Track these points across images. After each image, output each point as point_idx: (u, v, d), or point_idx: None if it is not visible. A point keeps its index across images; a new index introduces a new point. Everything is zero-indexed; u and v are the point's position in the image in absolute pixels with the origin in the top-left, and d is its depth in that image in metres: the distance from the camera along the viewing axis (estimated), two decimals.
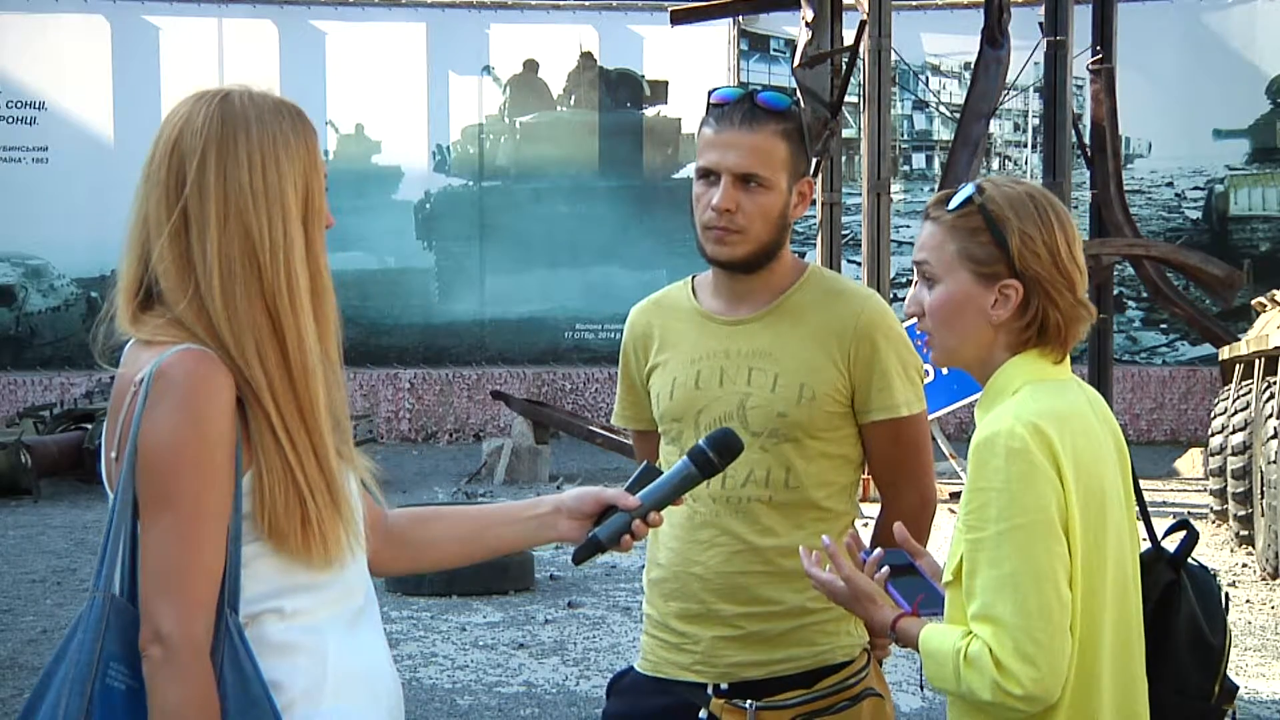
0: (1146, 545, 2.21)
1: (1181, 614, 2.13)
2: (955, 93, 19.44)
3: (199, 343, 1.80)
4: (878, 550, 2.20)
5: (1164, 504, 12.15)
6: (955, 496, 11.38)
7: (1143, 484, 2.21)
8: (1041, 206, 2.09)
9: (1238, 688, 2.18)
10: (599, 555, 2.15)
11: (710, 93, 2.58)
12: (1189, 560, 2.19)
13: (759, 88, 2.61)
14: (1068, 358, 2.14)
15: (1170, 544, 2.23)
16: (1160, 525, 2.26)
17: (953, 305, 2.10)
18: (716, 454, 2.16)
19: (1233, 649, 6.97)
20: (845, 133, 16.27)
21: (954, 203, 2.11)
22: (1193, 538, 2.20)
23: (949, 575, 2.06)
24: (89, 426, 13.76)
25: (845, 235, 15.66)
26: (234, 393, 1.80)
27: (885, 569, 2.16)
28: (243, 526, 1.81)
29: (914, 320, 2.15)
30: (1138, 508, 2.17)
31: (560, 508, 2.18)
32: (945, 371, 10.52)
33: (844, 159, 15.96)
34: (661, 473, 2.16)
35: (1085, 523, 2.00)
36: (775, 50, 20.22)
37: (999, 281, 2.07)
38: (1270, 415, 8.89)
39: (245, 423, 1.81)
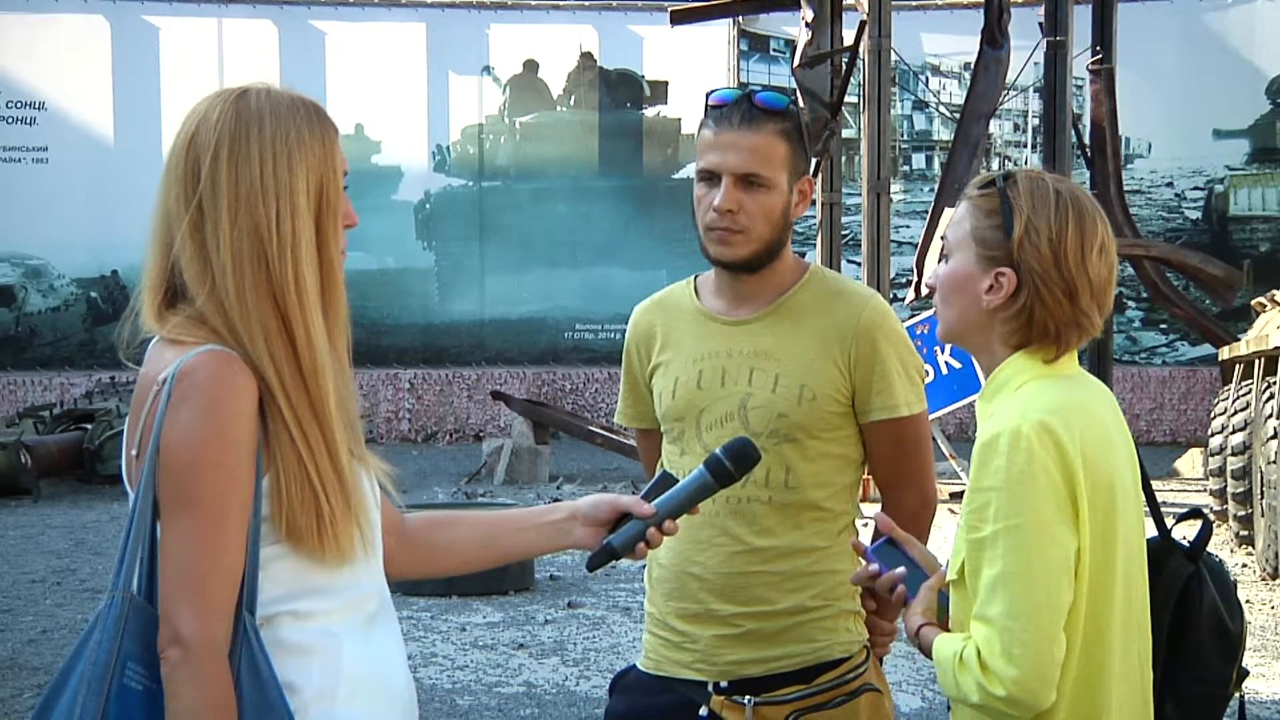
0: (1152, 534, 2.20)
1: (1204, 605, 2.12)
2: (955, 93, 19.44)
3: (220, 341, 1.81)
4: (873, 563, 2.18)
5: (1164, 504, 12.09)
6: (955, 496, 11.43)
7: None
8: (1064, 205, 2.04)
9: (1249, 671, 2.18)
10: (612, 562, 2.15)
11: (708, 94, 2.60)
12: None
13: (757, 88, 2.62)
14: (1074, 356, 2.11)
15: (1179, 533, 2.23)
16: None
17: (953, 282, 2.10)
18: (733, 464, 2.15)
19: None
20: (845, 133, 16.26)
21: (984, 182, 2.11)
22: (1208, 528, 2.19)
23: (953, 574, 2.05)
24: (89, 426, 13.74)
25: (845, 235, 15.66)
26: (256, 395, 1.80)
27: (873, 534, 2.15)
28: (262, 529, 1.81)
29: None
30: (1145, 499, 2.16)
31: (576, 514, 2.18)
32: (945, 371, 10.53)
33: (844, 159, 15.95)
34: (678, 481, 2.16)
35: (1094, 518, 1.98)
36: (775, 50, 20.21)
37: (996, 267, 2.06)
38: (1270, 415, 8.88)
39: (266, 425, 1.82)
